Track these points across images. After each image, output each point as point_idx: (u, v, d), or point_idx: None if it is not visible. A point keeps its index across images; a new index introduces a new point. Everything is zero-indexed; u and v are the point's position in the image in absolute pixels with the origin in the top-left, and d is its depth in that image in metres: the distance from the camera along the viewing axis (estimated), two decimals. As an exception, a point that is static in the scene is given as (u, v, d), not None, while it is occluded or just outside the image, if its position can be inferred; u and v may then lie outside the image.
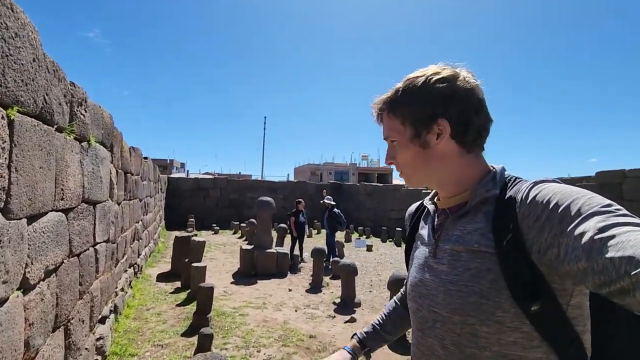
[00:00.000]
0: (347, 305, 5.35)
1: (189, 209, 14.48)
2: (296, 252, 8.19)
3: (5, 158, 1.50)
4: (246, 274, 6.94)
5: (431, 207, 0.89)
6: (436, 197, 0.89)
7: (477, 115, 0.77)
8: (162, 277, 6.46)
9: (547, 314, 0.65)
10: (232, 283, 6.44)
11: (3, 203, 1.50)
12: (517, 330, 0.67)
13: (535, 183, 0.69)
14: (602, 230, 0.52)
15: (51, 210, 2.10)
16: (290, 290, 6.14)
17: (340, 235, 10.63)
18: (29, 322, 1.80)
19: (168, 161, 38.32)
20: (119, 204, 4.31)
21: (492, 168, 0.81)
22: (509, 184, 0.75)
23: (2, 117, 1.47)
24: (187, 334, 4.04)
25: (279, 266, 7.15)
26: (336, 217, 8.32)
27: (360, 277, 6.73)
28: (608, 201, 0.58)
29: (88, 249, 2.90)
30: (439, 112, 0.76)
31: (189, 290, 5.36)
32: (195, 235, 9.04)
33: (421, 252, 0.87)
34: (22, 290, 1.74)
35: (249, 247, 7.44)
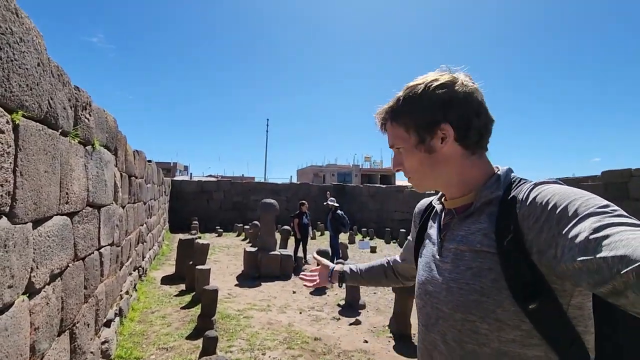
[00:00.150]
0: (351, 307, 5.32)
1: (193, 211, 14.51)
2: (300, 254, 8.18)
3: (11, 162, 1.50)
4: (250, 276, 6.93)
5: (439, 207, 0.92)
6: (443, 198, 0.92)
7: (478, 117, 0.80)
8: (167, 280, 6.47)
9: (547, 314, 0.66)
10: (236, 285, 6.43)
11: (8, 207, 1.50)
12: (516, 328, 0.68)
13: (536, 184, 0.71)
14: (597, 230, 0.53)
15: (56, 214, 2.11)
16: (294, 292, 6.13)
17: (343, 237, 10.60)
18: (35, 326, 1.80)
19: (172, 164, 38.47)
20: (123, 207, 4.32)
21: (496, 169, 0.83)
22: (514, 186, 0.76)
23: (7, 122, 1.47)
24: (191, 336, 4.03)
25: (283, 268, 7.14)
26: (339, 219, 8.30)
27: (365, 279, 6.70)
28: (605, 202, 0.59)
29: (93, 253, 2.90)
30: (441, 117, 0.79)
31: (194, 293, 5.36)
32: (199, 237, 9.05)
33: (428, 251, 0.90)
34: (27, 295, 1.74)
35: (253, 249, 7.43)
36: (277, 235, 8.56)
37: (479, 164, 0.82)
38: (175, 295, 5.61)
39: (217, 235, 13.11)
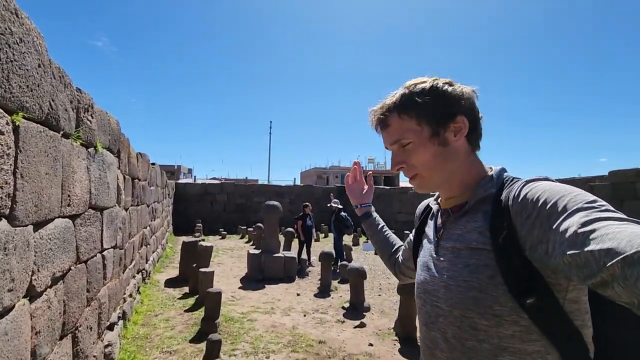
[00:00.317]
0: (356, 309, 5.27)
1: (197, 214, 14.53)
2: (304, 256, 8.14)
3: (11, 164, 1.48)
4: (254, 279, 6.90)
5: (435, 208, 0.94)
6: (440, 198, 0.93)
7: (479, 114, 0.85)
8: (170, 283, 6.45)
9: (544, 309, 0.67)
10: (239, 288, 6.40)
11: (8, 210, 1.48)
12: (515, 324, 0.69)
13: (527, 182, 0.73)
14: (584, 224, 0.54)
15: (58, 217, 2.09)
16: (298, 294, 6.09)
17: (348, 239, 10.56)
18: (36, 330, 1.78)
19: (175, 167, 38.65)
20: (126, 210, 4.31)
21: (490, 169, 0.85)
22: (506, 184, 0.78)
23: (7, 123, 1.46)
24: (195, 340, 4.00)
25: (287, 270, 7.10)
26: (343, 221, 8.25)
27: (369, 281, 6.65)
28: (593, 197, 0.60)
29: (95, 255, 2.89)
30: (457, 109, 0.81)
31: (197, 296, 5.34)
32: (203, 240, 9.04)
33: (426, 251, 0.92)
34: (28, 298, 1.72)
35: (256, 251, 7.41)
36: (281, 237, 8.53)
37: (477, 163, 0.85)
38: (179, 298, 5.59)
39: (220, 237, 13.10)
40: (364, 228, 1.28)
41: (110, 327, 3.39)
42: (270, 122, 51.08)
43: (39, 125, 1.77)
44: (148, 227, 6.45)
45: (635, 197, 7.01)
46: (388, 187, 16.03)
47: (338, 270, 7.36)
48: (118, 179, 3.75)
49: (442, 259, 0.84)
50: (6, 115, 1.45)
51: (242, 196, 15.77)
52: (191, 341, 3.98)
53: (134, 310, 4.65)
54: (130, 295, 4.55)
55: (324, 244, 11.77)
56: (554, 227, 0.59)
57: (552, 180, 0.71)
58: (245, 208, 15.58)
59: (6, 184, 1.45)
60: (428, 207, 1.01)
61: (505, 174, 0.83)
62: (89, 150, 2.71)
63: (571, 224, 0.56)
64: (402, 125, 0.83)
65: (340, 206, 8.60)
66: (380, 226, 1.27)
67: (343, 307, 5.42)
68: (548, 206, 0.63)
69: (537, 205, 0.65)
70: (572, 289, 0.68)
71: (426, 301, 0.86)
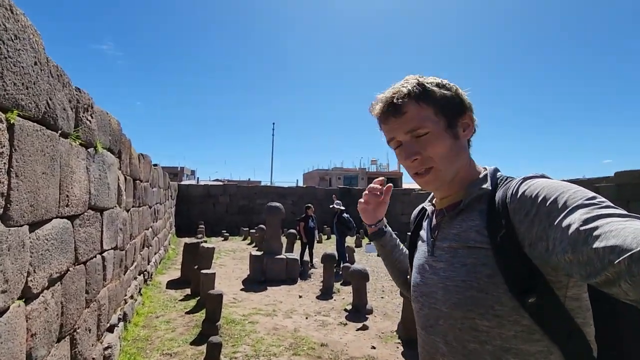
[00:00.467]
0: (358, 312, 5.22)
1: (199, 215, 14.53)
2: (306, 258, 8.10)
3: (5, 163, 1.46)
4: (256, 281, 6.86)
5: (430, 208, 0.92)
6: (434, 199, 0.92)
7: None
8: (172, 284, 6.43)
9: (545, 307, 0.66)
10: (241, 290, 6.37)
11: (2, 209, 1.45)
12: (516, 324, 0.68)
13: (525, 179, 0.72)
14: (586, 222, 0.53)
15: (55, 217, 2.06)
16: (300, 296, 6.04)
17: (350, 241, 10.50)
18: (31, 332, 1.75)
19: (179, 169, 38.75)
20: (127, 211, 4.29)
21: (484, 169, 0.85)
22: (500, 183, 0.78)
23: (1, 121, 1.43)
24: (196, 342, 3.97)
25: (289, 272, 7.06)
26: (345, 222, 8.21)
27: (372, 283, 6.59)
28: (592, 194, 0.60)
29: (95, 257, 2.86)
30: (467, 105, 0.83)
31: (199, 298, 5.31)
32: (205, 241, 9.02)
33: (421, 253, 0.90)
34: (23, 300, 1.69)
35: (259, 253, 7.37)
36: (283, 239, 8.49)
37: (473, 162, 0.86)
38: (181, 300, 5.56)
39: (223, 239, 13.09)
40: (376, 247, 1.14)
41: (111, 329, 3.36)
42: (273, 123, 51.17)
43: (35, 124, 1.74)
44: (150, 229, 6.43)
45: (642, 198, 6.90)
46: (391, 189, 15.94)
47: (340, 272, 7.31)
48: (119, 179, 3.73)
49: (438, 259, 0.82)
50: (0, 113, 1.43)
51: (245, 198, 15.76)
52: (192, 343, 3.95)
53: (135, 312, 4.62)
54: (132, 297, 4.53)
55: (327, 245, 11.71)
56: (555, 224, 0.58)
57: (549, 178, 0.70)
58: (247, 209, 15.57)
59: (0, 183, 1.42)
60: (422, 210, 1.00)
61: (499, 173, 0.83)
62: (88, 150, 2.69)
63: (572, 221, 0.55)
64: (420, 113, 0.79)
65: (343, 208, 8.55)
66: (393, 245, 1.12)
67: (345, 310, 5.37)
68: (547, 203, 0.62)
69: (536, 202, 0.64)
70: (573, 286, 0.67)
71: (424, 304, 0.83)
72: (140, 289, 5.29)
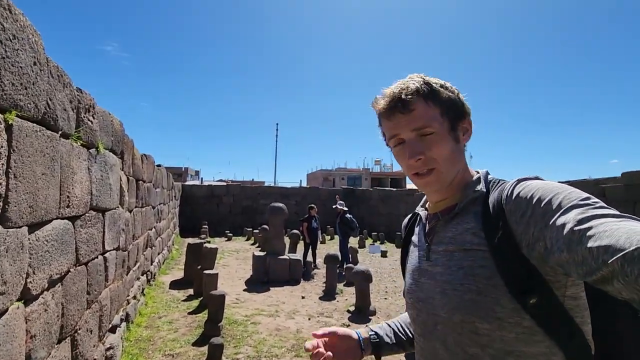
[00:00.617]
0: (361, 313, 5.19)
1: (203, 215, 14.55)
2: (309, 258, 8.08)
3: (3, 164, 1.45)
4: (259, 281, 6.85)
5: (423, 213, 0.90)
6: (427, 204, 0.91)
7: None
8: (175, 285, 6.44)
9: (545, 307, 0.66)
10: (244, 290, 6.36)
11: (0, 211, 1.44)
12: (518, 326, 0.67)
13: (519, 181, 0.72)
14: (580, 222, 0.54)
15: (56, 218, 2.06)
16: (303, 297, 6.02)
17: (354, 241, 10.46)
18: (31, 334, 1.74)
19: (183, 169, 38.93)
20: (130, 212, 4.29)
21: (477, 172, 0.84)
22: (493, 185, 0.78)
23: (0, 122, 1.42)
24: (198, 343, 3.96)
25: (292, 273, 7.04)
26: (348, 223, 8.17)
27: (375, 284, 6.55)
28: (586, 194, 0.60)
29: (97, 258, 2.86)
30: (467, 109, 0.82)
31: (201, 298, 5.31)
32: (208, 242, 9.03)
33: (415, 258, 0.88)
34: (23, 301, 1.68)
35: (261, 253, 7.36)
36: (286, 240, 8.47)
37: (467, 167, 0.85)
38: (183, 300, 5.57)
39: (226, 239, 13.10)
40: (391, 349, 0.97)
41: (113, 330, 3.36)
42: (277, 124, 51.21)
43: (35, 124, 1.74)
44: (153, 229, 6.44)
45: (649, 199, 6.79)
46: (394, 189, 15.90)
47: (344, 273, 7.28)
48: (121, 180, 3.73)
49: (434, 263, 0.80)
50: (-2, 113, 1.42)
51: (248, 198, 15.78)
52: (194, 344, 3.94)
53: (137, 312, 4.62)
54: (135, 297, 4.53)
55: (330, 246, 11.69)
56: (550, 224, 0.59)
57: (542, 179, 0.71)
58: (251, 210, 15.58)
59: (-2, 184, 1.41)
60: (413, 215, 0.98)
61: (490, 176, 0.83)
62: (90, 151, 2.69)
63: (567, 221, 0.56)
64: (428, 112, 0.77)
65: (346, 208, 8.52)
66: (397, 342, 0.97)
67: (348, 311, 5.34)
68: (542, 204, 0.63)
69: (531, 203, 0.65)
70: (571, 285, 0.67)
71: (421, 310, 0.81)
72: (143, 290, 5.29)
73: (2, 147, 1.43)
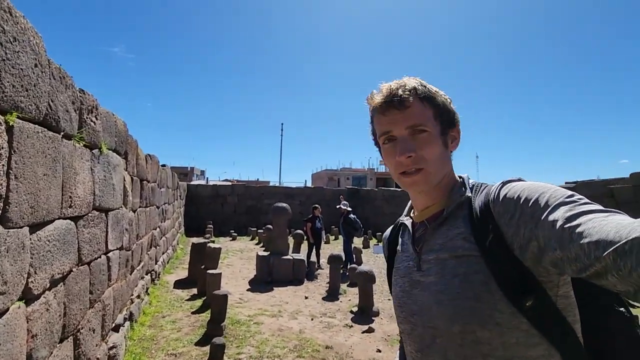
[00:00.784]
0: (365, 313, 5.17)
1: (208, 215, 14.62)
2: (313, 258, 8.07)
3: (3, 165, 1.46)
4: (262, 281, 6.86)
5: (408, 222, 0.88)
6: (412, 212, 0.90)
7: None
8: (180, 284, 6.47)
9: (540, 308, 0.66)
10: (248, 290, 6.37)
11: (0, 211, 1.45)
12: (516, 330, 0.66)
13: (504, 183, 0.73)
14: (569, 219, 0.55)
15: (58, 218, 2.07)
16: (306, 297, 6.01)
17: (358, 242, 10.43)
18: (32, 333, 1.76)
19: (189, 169, 39.14)
20: (134, 211, 4.32)
21: (459, 177, 0.85)
22: (475, 190, 0.79)
23: (0, 123, 1.43)
24: (201, 342, 3.97)
25: (295, 273, 7.04)
26: (352, 223, 8.15)
27: (379, 285, 6.52)
28: (571, 192, 0.62)
29: (99, 257, 2.88)
30: (457, 118, 0.83)
31: (205, 298, 5.33)
32: (212, 241, 9.07)
33: (404, 270, 0.85)
34: (24, 301, 1.70)
35: (265, 253, 7.37)
36: (290, 240, 8.48)
37: (453, 174, 0.84)
38: (187, 300, 5.59)
39: (231, 239, 13.15)
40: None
41: (116, 329, 3.38)
42: (282, 124, 51.31)
43: (36, 125, 1.75)
44: (157, 229, 6.48)
45: (658, 200, 6.68)
46: (399, 189, 15.84)
47: (347, 274, 7.27)
48: (125, 180, 3.76)
49: (427, 273, 0.78)
50: (-1, 115, 1.43)
51: (253, 198, 15.82)
52: (197, 344, 3.95)
53: (141, 312, 4.65)
54: (139, 297, 4.56)
55: (334, 246, 11.67)
56: (539, 223, 0.60)
57: (525, 181, 0.72)
58: (255, 210, 15.62)
59: (-1, 185, 1.43)
60: (396, 226, 0.95)
61: (471, 180, 0.83)
62: (93, 151, 2.71)
63: (556, 218, 0.57)
64: (423, 112, 0.78)
65: (350, 208, 8.50)
66: None
67: (351, 311, 5.33)
68: (530, 204, 0.63)
69: (519, 204, 0.65)
70: (563, 285, 0.68)
71: (416, 323, 0.78)
72: (147, 289, 5.33)
73: (2, 148, 1.44)
